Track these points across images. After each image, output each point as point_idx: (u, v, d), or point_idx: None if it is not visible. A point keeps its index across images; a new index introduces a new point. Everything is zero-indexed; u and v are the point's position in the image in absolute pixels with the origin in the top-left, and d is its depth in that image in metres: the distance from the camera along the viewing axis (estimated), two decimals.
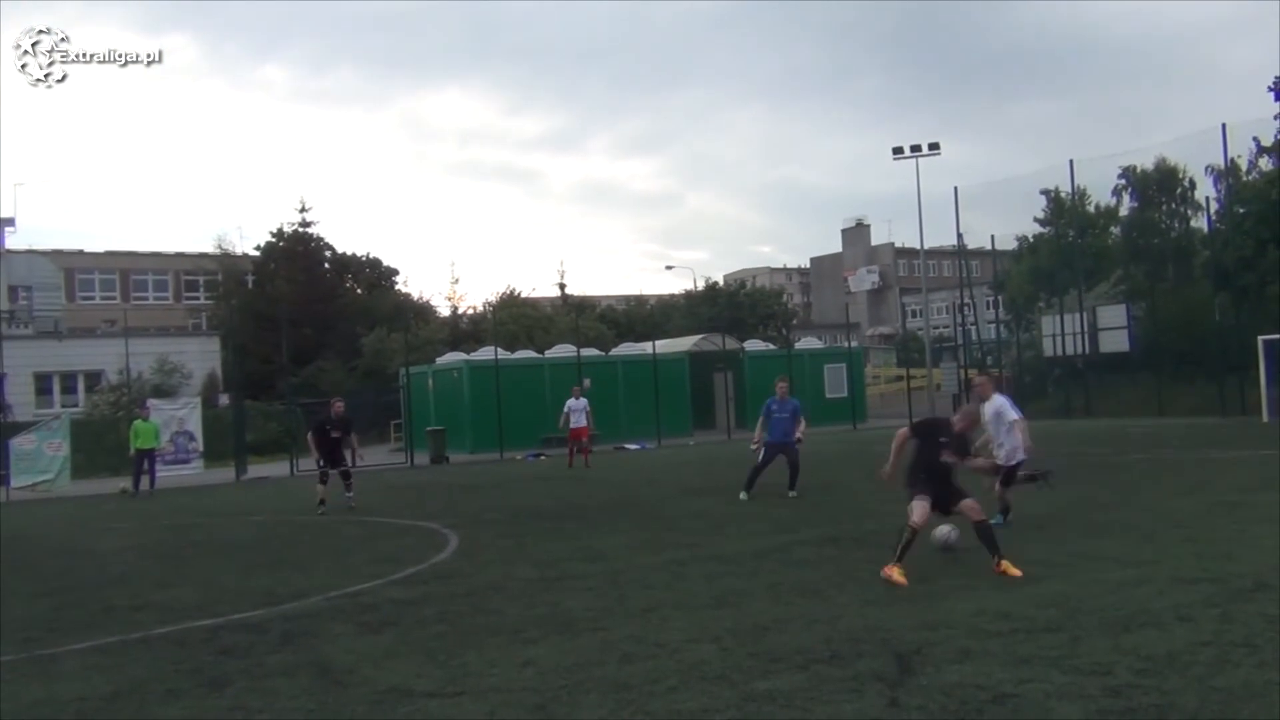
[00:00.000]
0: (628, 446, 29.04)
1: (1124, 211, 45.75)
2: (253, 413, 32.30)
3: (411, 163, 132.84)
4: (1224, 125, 32.91)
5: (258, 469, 26.40)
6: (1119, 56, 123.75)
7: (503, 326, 41.41)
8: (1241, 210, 34.24)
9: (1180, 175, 44.10)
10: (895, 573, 7.52)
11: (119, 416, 29.45)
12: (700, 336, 42.41)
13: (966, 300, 42.06)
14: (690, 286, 74.70)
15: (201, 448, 25.57)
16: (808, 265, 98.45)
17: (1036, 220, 47.45)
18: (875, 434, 27.88)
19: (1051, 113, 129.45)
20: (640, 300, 72.61)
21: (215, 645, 6.78)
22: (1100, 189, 44.86)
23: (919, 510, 7.78)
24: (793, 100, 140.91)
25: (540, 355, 34.87)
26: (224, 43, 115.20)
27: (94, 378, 35.64)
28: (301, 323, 40.08)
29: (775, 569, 8.53)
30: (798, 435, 14.25)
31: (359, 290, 51.32)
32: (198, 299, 58.52)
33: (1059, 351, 37.34)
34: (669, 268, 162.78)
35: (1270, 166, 35.33)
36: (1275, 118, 34.34)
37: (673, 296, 73.88)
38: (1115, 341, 35.64)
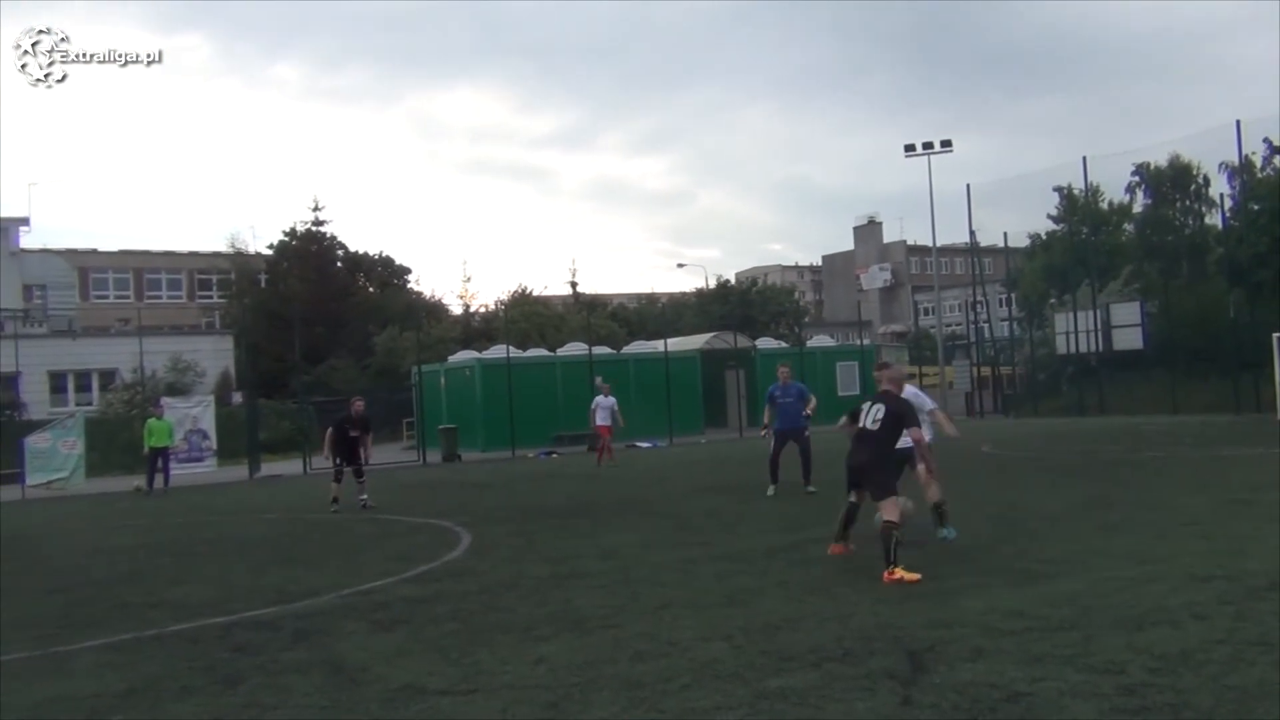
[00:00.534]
0: (639, 444, 29.04)
1: (1137, 208, 45.64)
2: (266, 411, 32.50)
3: (423, 161, 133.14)
4: (1238, 122, 32.87)
5: (271, 467, 26.55)
6: (1131, 53, 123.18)
7: (514, 325, 41.46)
8: (1256, 207, 34.10)
9: (1194, 172, 43.96)
10: (900, 572, 7.46)
11: (133, 415, 29.66)
12: (712, 335, 42.43)
13: (979, 298, 41.99)
14: (702, 284, 74.55)
15: (215, 446, 25.74)
16: (819, 263, 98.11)
17: (1049, 217, 47.41)
18: None
19: (1064, 110, 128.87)
20: (652, 298, 72.61)
21: (229, 642, 6.80)
22: (1114, 186, 44.83)
23: (888, 505, 7.84)
24: (805, 97, 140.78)
25: (552, 354, 34.95)
26: (236, 42, 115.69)
27: (108, 376, 35.89)
28: (314, 321, 40.21)
29: (787, 567, 8.52)
30: (807, 412, 14.02)
31: (371, 289, 51.52)
32: (211, 298, 58.78)
33: (1072, 349, 37.21)
34: (680, 266, 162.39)
35: None
36: None
37: (684, 295, 73.83)
38: (1129, 339, 35.51)
